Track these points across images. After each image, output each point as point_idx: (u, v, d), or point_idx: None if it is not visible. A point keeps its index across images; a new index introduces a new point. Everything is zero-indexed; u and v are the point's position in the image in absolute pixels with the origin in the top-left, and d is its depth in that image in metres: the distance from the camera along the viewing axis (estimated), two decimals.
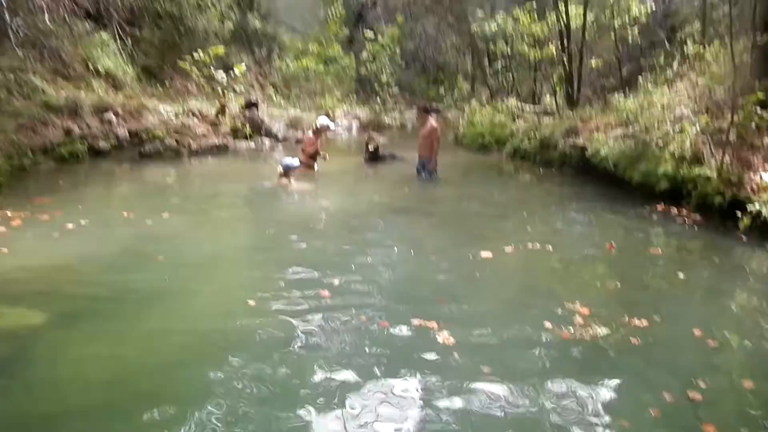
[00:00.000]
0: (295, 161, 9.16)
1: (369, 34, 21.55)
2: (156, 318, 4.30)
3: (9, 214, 6.62)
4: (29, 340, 3.87)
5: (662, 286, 5.25)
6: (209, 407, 3.12)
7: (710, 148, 7.85)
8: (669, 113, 9.07)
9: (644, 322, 4.22)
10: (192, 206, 7.75)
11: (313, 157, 10.20)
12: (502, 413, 3.14)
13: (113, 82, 13.75)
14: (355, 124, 19.20)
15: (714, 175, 7.37)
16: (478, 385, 3.38)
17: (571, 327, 4.13)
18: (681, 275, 5.30)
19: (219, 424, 2.98)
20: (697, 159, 7.86)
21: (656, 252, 6.09)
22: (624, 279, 5.30)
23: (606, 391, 3.36)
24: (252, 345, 3.86)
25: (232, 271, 5.53)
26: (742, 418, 3.17)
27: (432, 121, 10.20)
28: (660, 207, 7.66)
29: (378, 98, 21.28)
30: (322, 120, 10.73)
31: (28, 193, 7.95)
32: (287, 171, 8.95)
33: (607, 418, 3.10)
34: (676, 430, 3.05)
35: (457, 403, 3.23)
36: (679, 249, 6.36)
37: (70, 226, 6.35)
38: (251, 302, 4.47)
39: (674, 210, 7.52)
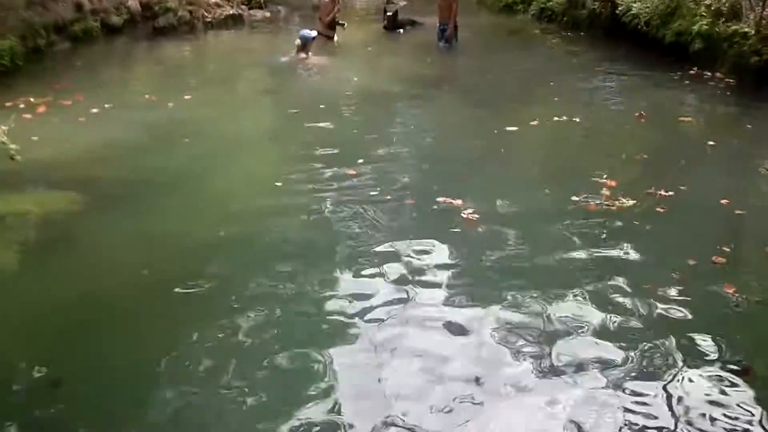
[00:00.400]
0: (312, 33, 8.84)
1: None
2: (187, 199, 4.45)
3: (32, 100, 6.62)
4: (69, 223, 4.04)
5: (691, 155, 5.20)
6: (240, 281, 3.32)
7: (750, 1, 7.39)
8: None
9: (671, 192, 4.24)
10: (212, 86, 7.65)
11: (332, 26, 9.82)
12: (525, 281, 3.27)
13: None
14: None
15: (752, 31, 7.00)
16: (501, 256, 3.50)
17: (597, 199, 4.17)
18: (711, 143, 5.23)
19: (249, 296, 3.18)
20: (735, 14, 7.43)
21: (686, 119, 5.97)
22: (652, 149, 5.26)
23: (629, 258, 3.48)
24: (282, 224, 3.99)
25: (257, 151, 5.59)
26: (763, 280, 3.26)
27: None
28: (693, 70, 7.35)
29: None
30: None
31: (47, 77, 7.88)
32: (305, 43, 8.67)
33: (630, 282, 3.22)
34: (698, 291, 3.15)
35: (477, 273, 3.36)
36: (710, 115, 6.23)
37: (94, 110, 6.36)
38: (278, 183, 4.56)
39: (708, 73, 7.22)
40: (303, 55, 8.64)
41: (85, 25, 10.43)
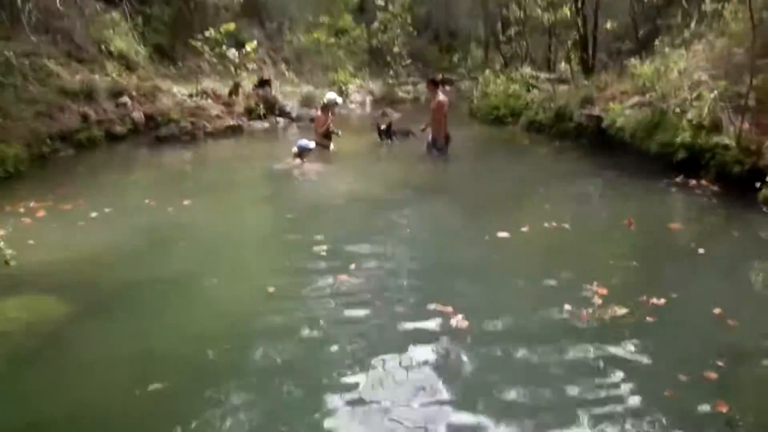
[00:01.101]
0: (310, 143, 9.17)
1: (380, 1, 21.22)
2: (179, 306, 4.42)
3: (32, 204, 6.75)
4: (57, 330, 3.99)
5: (681, 262, 5.24)
6: (233, 393, 3.24)
7: (729, 115, 7.72)
8: (686, 78, 8.89)
9: (662, 301, 4.24)
10: (211, 192, 7.83)
11: (327, 135, 10.20)
12: (516, 394, 3.20)
13: (126, 63, 13.75)
14: (368, 99, 19.09)
15: (733, 143, 7.27)
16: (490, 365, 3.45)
17: (589, 308, 4.16)
18: (700, 250, 5.29)
19: (244, 411, 3.08)
20: (716, 127, 7.73)
21: (675, 226, 6.07)
22: (642, 256, 5.31)
23: (619, 373, 3.40)
24: (272, 332, 3.97)
25: (252, 257, 5.63)
26: (759, 397, 3.20)
27: (440, 95, 10.03)
28: (678, 178, 7.58)
29: (391, 70, 21.08)
30: (329, 95, 10.69)
31: (48, 182, 8.08)
32: (302, 153, 8.97)
33: (619, 402, 3.15)
34: (689, 410, 3.07)
35: (470, 383, 3.30)
36: (698, 222, 6.34)
37: (93, 215, 6.47)
38: (270, 289, 4.58)
39: (693, 181, 7.44)
40: (299, 162, 8.91)
41: (89, 133, 10.81)
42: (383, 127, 11.36)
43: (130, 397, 3.24)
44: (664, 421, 2.97)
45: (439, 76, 12.45)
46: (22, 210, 6.56)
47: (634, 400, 3.16)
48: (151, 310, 4.34)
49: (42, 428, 2.99)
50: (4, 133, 8.90)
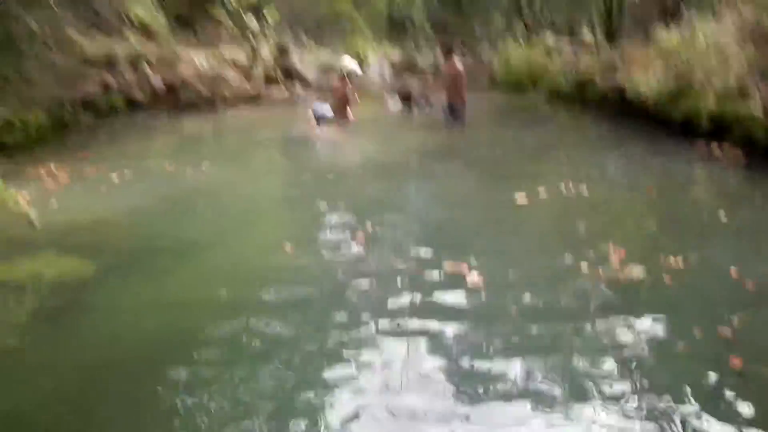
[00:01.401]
0: (326, 109, 9.15)
1: None
2: (200, 266, 4.47)
3: (55, 169, 6.85)
4: (81, 290, 4.05)
5: (701, 227, 5.18)
6: (252, 346, 3.29)
7: (756, 84, 7.55)
8: (713, 47, 8.70)
9: (680, 263, 4.20)
10: (229, 157, 7.89)
11: (344, 102, 10.15)
12: (527, 351, 3.22)
13: (146, 31, 13.77)
14: (388, 68, 18.92)
15: (759, 112, 7.12)
16: (505, 326, 3.47)
17: (606, 268, 4.13)
18: (722, 216, 5.20)
19: (260, 363, 3.13)
20: (742, 94, 7.58)
21: (697, 193, 5.99)
22: (663, 220, 5.26)
23: (634, 329, 3.39)
24: (289, 288, 4.00)
25: (270, 218, 5.70)
26: None
27: (456, 62, 9.99)
28: (702, 146, 7.45)
29: (411, 40, 20.83)
30: (347, 63, 10.57)
31: (71, 148, 8.19)
32: (319, 119, 8.96)
33: (632, 353, 3.14)
34: (702, 363, 3.05)
35: (481, 341, 3.32)
36: (721, 190, 6.22)
37: (115, 179, 6.55)
38: (287, 248, 4.62)
39: (717, 149, 7.31)
40: (317, 128, 8.91)
41: (110, 101, 10.90)
42: (406, 93, 11.25)
43: (151, 353, 3.30)
44: (676, 374, 2.97)
45: (454, 44, 12.31)
46: (44, 174, 6.66)
47: (647, 355, 3.14)
48: (171, 269, 4.40)
49: (64, 384, 3.06)
50: (26, 99, 9.00)
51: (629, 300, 3.76)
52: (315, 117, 8.97)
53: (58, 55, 10.91)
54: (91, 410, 2.83)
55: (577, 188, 5.99)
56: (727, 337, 3.27)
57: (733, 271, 4.06)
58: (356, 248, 4.65)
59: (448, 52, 10.29)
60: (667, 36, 10.06)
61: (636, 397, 2.79)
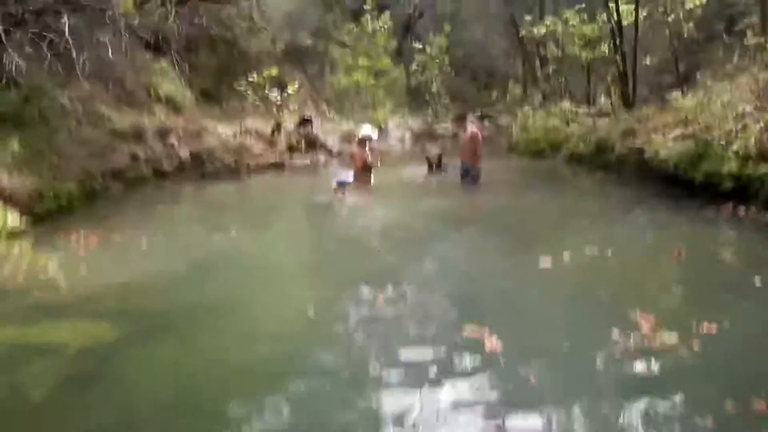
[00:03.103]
0: (348, 176, 9.33)
1: (417, 45, 21.67)
2: (223, 331, 4.47)
3: (84, 236, 6.98)
4: (106, 356, 4.06)
5: (732, 292, 5.05)
6: (273, 415, 3.25)
7: None
8: (730, 110, 8.79)
9: (714, 329, 4.08)
10: (254, 223, 8.00)
11: (366, 168, 10.31)
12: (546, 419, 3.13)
13: (173, 105, 14.27)
14: (407, 136, 19.32)
15: None
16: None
17: (637, 336, 4.04)
18: (753, 280, 5.08)
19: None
20: (763, 157, 7.59)
21: (724, 256, 5.89)
22: (690, 285, 5.18)
23: (665, 402, 3.29)
24: (312, 355, 4.00)
25: (294, 285, 5.69)
26: None
27: (471, 126, 10.32)
28: (725, 207, 7.39)
29: (429, 108, 21.34)
30: (364, 130, 10.87)
31: (100, 215, 8.37)
32: (341, 186, 9.12)
33: (661, 428, 3.04)
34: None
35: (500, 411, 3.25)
36: (748, 252, 6.11)
37: (143, 245, 6.66)
38: (311, 313, 4.64)
39: (741, 210, 7.25)
40: (340, 194, 9.05)
41: (138, 171, 11.20)
42: (435, 157, 11.41)
43: (176, 417, 3.28)
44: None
45: (473, 112, 12.69)
46: (73, 240, 6.80)
47: (677, 429, 3.04)
48: (197, 335, 4.42)
49: None
50: (58, 171, 9.29)
51: (660, 370, 3.65)
52: (337, 183, 9.13)
53: (89, 128, 11.33)
54: None
55: (602, 253, 5.93)
56: (762, 411, 3.14)
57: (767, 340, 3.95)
58: (378, 314, 4.62)
59: (460, 119, 10.65)
60: (683, 100, 10.20)
61: None
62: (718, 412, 3.14)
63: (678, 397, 3.35)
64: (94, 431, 3.18)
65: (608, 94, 15.51)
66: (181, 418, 3.28)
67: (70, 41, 12.25)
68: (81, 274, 5.69)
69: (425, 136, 18.88)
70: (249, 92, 15.10)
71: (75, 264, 5.96)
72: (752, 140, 7.76)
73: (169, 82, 14.69)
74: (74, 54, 12.26)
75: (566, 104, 16.08)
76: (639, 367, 3.70)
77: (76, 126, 11.04)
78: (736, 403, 3.19)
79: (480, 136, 10.29)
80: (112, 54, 13.18)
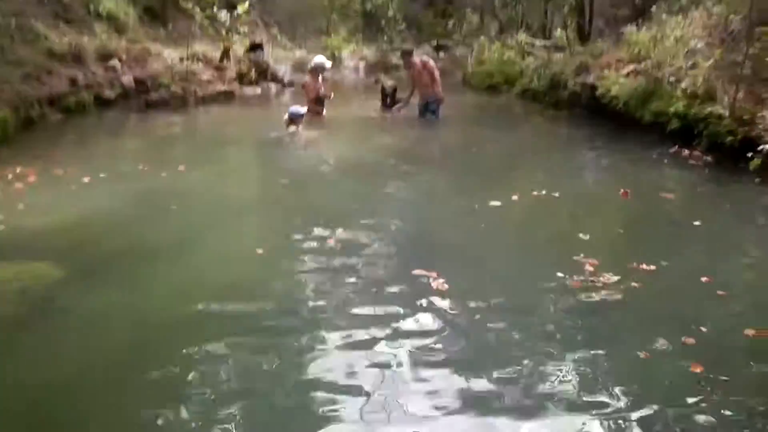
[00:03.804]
0: (302, 109, 9.10)
1: None
2: (169, 269, 4.43)
3: (22, 170, 6.67)
4: (49, 296, 3.97)
5: (673, 231, 5.28)
6: (219, 353, 3.28)
7: (723, 84, 7.69)
8: (682, 46, 8.84)
9: (652, 268, 4.26)
10: (203, 158, 7.79)
11: (318, 101, 10.08)
12: (489, 356, 3.26)
13: (115, 25, 13.50)
14: (362, 65, 18.89)
15: (726, 112, 7.26)
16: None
17: (581, 275, 4.18)
18: (693, 221, 5.28)
19: (228, 372, 3.12)
20: (710, 96, 7.71)
21: (667, 196, 6.07)
22: (633, 225, 5.35)
23: (599, 337, 3.46)
24: (257, 292, 4.02)
25: (243, 222, 5.63)
26: (734, 360, 3.23)
27: (416, 60, 10.17)
28: (672, 148, 7.57)
29: (385, 36, 20.83)
30: (317, 59, 10.54)
31: (38, 147, 7.99)
32: (294, 119, 8.90)
33: (594, 363, 3.19)
34: (663, 370, 3.12)
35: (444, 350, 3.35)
36: (690, 193, 6.34)
37: (86, 180, 6.41)
38: (259, 251, 4.62)
39: (686, 151, 7.44)
40: (293, 128, 8.85)
41: (78, 98, 10.66)
42: (390, 88, 11.11)
43: (118, 360, 3.26)
44: (636, 380, 3.03)
45: (410, 47, 12.48)
46: (10, 176, 6.49)
47: (610, 361, 3.20)
48: (142, 273, 4.35)
49: (35, 390, 3.00)
50: None
51: (597, 307, 3.80)
52: (290, 116, 8.91)
53: (23, 47, 10.63)
54: (58, 419, 2.79)
55: (549, 192, 6.04)
56: (691, 345, 3.32)
57: (703, 278, 4.13)
58: (328, 251, 4.64)
59: (406, 54, 10.46)
60: (637, 35, 10.20)
61: (593, 401, 2.85)
62: (651, 346, 3.32)
63: (612, 333, 3.52)
64: (41, 376, 3.12)
65: (564, 27, 15.39)
66: (119, 367, 3.24)
67: None
68: (18, 210, 5.47)
69: (380, 66, 18.48)
70: (196, 11, 14.35)
71: (11, 200, 5.72)
72: (700, 78, 7.85)
73: None
74: None
75: (522, 36, 15.92)
76: (577, 302, 3.85)
77: (9, 44, 10.35)
78: (667, 338, 3.38)
79: (432, 63, 10.18)
80: None
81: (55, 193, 6.06)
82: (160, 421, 2.72)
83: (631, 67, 9.67)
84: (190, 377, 3.06)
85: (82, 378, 3.11)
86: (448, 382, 3.03)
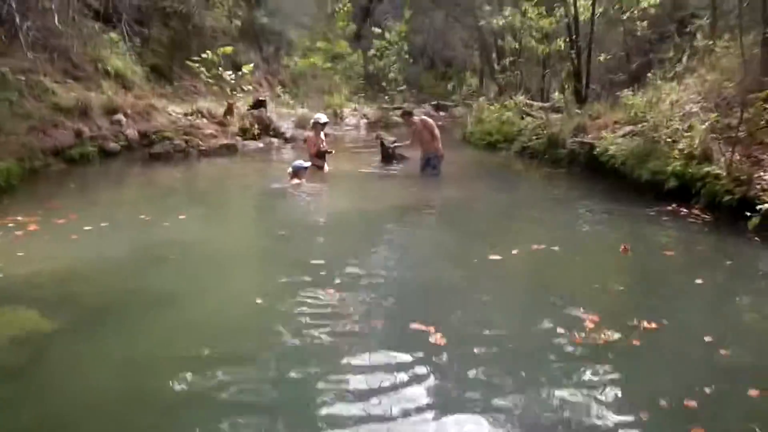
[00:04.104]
0: (305, 163, 9.24)
1: (376, 30, 21.55)
2: (167, 320, 4.37)
3: (24, 218, 6.69)
4: (43, 346, 3.91)
5: (673, 289, 5.24)
6: (218, 407, 3.21)
7: (719, 146, 7.81)
8: (678, 110, 9.04)
9: (654, 326, 4.21)
10: (205, 208, 7.84)
11: (319, 155, 10.22)
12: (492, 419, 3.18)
13: (123, 82, 13.83)
14: (363, 122, 19.23)
15: (723, 173, 7.34)
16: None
17: (581, 332, 4.13)
18: (694, 279, 5.24)
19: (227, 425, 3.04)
20: (706, 157, 7.82)
21: (666, 253, 6.06)
22: (633, 281, 5.32)
23: (601, 396, 3.38)
24: (256, 344, 3.99)
25: (244, 272, 5.62)
26: (739, 424, 3.15)
27: (415, 119, 10.48)
28: (670, 206, 7.62)
29: (386, 96, 21.27)
30: (317, 116, 10.83)
31: (40, 196, 8.04)
32: (297, 172, 9.01)
33: (596, 423, 3.12)
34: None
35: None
36: (689, 250, 6.33)
37: (86, 228, 6.41)
38: (259, 300, 4.58)
39: (684, 209, 7.49)
40: (296, 181, 8.95)
41: (82, 149, 10.80)
42: (389, 146, 11.31)
43: (113, 412, 3.19)
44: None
45: (409, 107, 12.88)
46: (11, 224, 6.50)
47: (610, 422, 3.13)
48: (139, 324, 4.29)
49: None
50: None
51: (599, 365, 3.73)
52: (294, 169, 9.02)
53: (31, 101, 10.84)
54: None
55: (549, 246, 6.02)
56: (693, 408, 3.25)
57: (706, 337, 4.07)
58: (326, 304, 4.60)
59: (406, 114, 10.82)
60: (633, 98, 10.43)
61: None
62: (652, 407, 3.24)
63: (614, 392, 3.44)
64: (27, 427, 3.05)
65: (562, 90, 15.75)
66: (116, 417, 3.17)
67: (14, 5, 11.66)
68: (17, 258, 5.45)
69: (381, 123, 18.81)
70: (202, 70, 14.72)
71: (11, 248, 5.70)
72: (696, 140, 7.99)
73: (119, 56, 14.21)
74: (17, 20, 11.68)
75: (521, 98, 16.26)
76: (579, 359, 3.79)
77: (18, 99, 10.56)
78: (669, 399, 3.30)
79: (431, 122, 10.44)
80: (58, 22, 12.63)
81: (55, 242, 6.05)
82: None
83: (628, 128, 9.85)
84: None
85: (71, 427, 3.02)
86: None
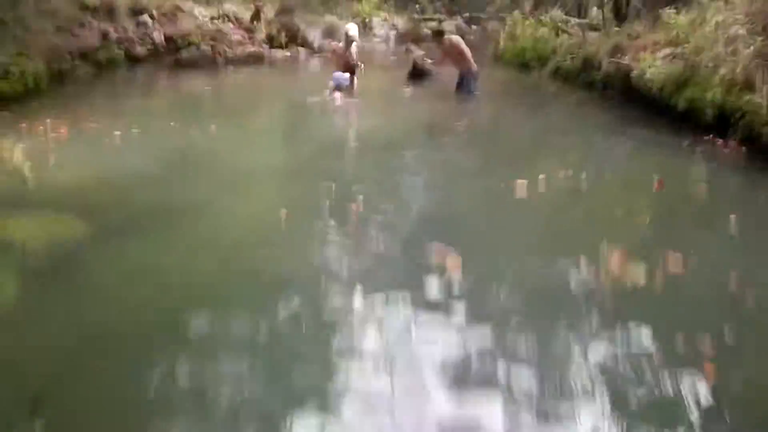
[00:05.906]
0: (346, 77, 9.04)
1: None
2: (195, 229, 4.51)
3: (54, 122, 6.72)
4: (76, 249, 4.05)
5: (704, 225, 5.13)
6: (244, 308, 3.36)
7: (763, 74, 7.46)
8: (722, 32, 8.57)
9: (680, 262, 4.13)
10: (233, 118, 7.83)
11: (348, 70, 9.97)
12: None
13: None
14: (392, 34, 18.63)
15: (764, 102, 7.05)
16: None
17: (604, 266, 4.10)
18: (723, 214, 5.11)
19: (247, 331, 3.17)
20: (749, 85, 7.50)
21: (700, 187, 5.93)
22: (662, 216, 5.24)
23: (617, 332, 3.37)
24: (279, 254, 4.09)
25: (270, 184, 5.70)
26: (755, 360, 3.16)
27: (446, 39, 10.24)
28: (706, 137, 7.38)
29: (417, 4, 20.50)
30: (353, 31, 10.32)
31: (69, 101, 8.07)
32: (338, 86, 8.87)
33: (608, 356, 3.15)
34: (674, 367, 3.05)
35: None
36: (724, 185, 6.16)
37: (117, 136, 6.44)
38: (283, 213, 4.63)
39: (720, 141, 7.26)
40: (334, 96, 8.82)
41: (109, 53, 10.69)
42: (420, 62, 11.04)
43: (143, 316, 3.32)
44: (645, 374, 2.99)
45: (440, 25, 12.44)
46: (42, 128, 6.55)
47: (622, 360, 3.14)
48: (168, 232, 4.43)
49: (56, 346, 3.04)
50: (24, 46, 8.79)
51: (620, 302, 3.71)
52: (335, 84, 8.88)
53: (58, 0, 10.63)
54: (83, 366, 2.85)
55: (576, 177, 5.88)
56: (711, 348, 3.21)
57: (732, 273, 3.99)
58: (347, 223, 4.68)
59: (438, 34, 10.57)
60: (676, 18, 9.92)
61: (605, 399, 2.81)
62: (669, 344, 3.24)
63: (632, 328, 3.43)
64: (63, 325, 3.19)
65: (601, 6, 14.99)
66: (152, 318, 3.31)
67: None
68: (49, 165, 5.53)
69: (410, 35, 18.21)
70: None
71: (42, 154, 5.78)
72: (740, 66, 7.62)
73: None
74: None
75: (557, 13, 15.54)
76: (600, 296, 3.78)
77: None
78: (687, 342, 3.28)
79: (460, 42, 10.16)
80: None
81: (86, 149, 6.11)
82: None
83: (668, 50, 9.40)
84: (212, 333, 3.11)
85: (95, 334, 3.15)
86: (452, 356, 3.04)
